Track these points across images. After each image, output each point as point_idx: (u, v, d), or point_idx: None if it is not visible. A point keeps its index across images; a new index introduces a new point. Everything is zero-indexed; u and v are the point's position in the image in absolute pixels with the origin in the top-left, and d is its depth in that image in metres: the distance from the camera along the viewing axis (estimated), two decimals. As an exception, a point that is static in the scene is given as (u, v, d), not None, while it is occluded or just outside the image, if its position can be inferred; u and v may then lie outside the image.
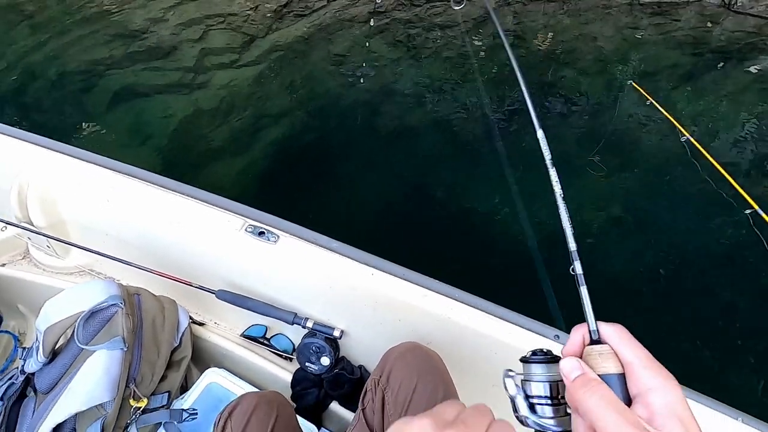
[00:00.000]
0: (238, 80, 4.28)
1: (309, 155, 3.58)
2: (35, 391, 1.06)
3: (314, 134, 3.80)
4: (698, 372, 2.19)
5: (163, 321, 1.12)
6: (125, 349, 0.98)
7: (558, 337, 1.05)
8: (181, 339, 1.16)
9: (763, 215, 2.10)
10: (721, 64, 4.51)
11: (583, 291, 0.49)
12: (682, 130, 2.57)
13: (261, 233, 1.17)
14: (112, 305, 1.03)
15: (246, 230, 1.18)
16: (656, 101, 2.81)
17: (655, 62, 4.58)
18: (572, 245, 0.53)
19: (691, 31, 4.91)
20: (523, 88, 0.70)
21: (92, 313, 1.03)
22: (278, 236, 1.16)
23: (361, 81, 4.29)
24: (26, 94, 4.11)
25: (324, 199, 3.21)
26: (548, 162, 0.60)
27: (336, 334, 1.16)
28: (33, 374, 1.07)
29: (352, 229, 2.97)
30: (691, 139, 2.51)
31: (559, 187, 0.59)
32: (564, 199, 0.57)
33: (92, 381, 0.93)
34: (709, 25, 4.93)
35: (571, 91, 4.22)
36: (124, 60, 4.44)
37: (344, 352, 1.24)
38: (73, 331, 1.00)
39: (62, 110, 3.92)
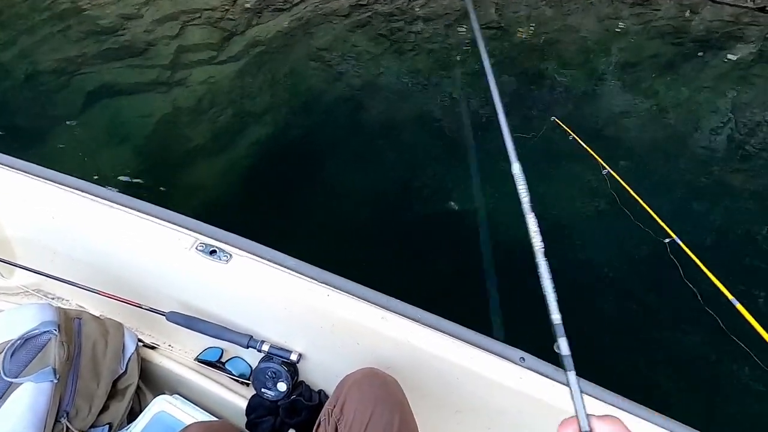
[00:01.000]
0: (216, 77, 4.20)
1: (290, 153, 3.53)
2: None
3: (295, 131, 3.75)
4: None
5: (105, 347, 1.05)
6: (55, 381, 0.91)
7: (524, 359, 1.00)
8: (126, 365, 1.09)
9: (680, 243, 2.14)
10: (701, 53, 4.58)
11: (572, 378, 0.46)
12: (603, 164, 2.61)
13: (213, 252, 1.10)
14: (44, 332, 0.95)
15: (197, 249, 1.11)
16: (578, 136, 2.84)
17: (637, 52, 4.64)
18: (555, 316, 0.49)
19: (671, 21, 5.00)
20: (500, 114, 0.63)
21: (24, 341, 0.95)
22: (230, 255, 1.10)
23: (343, 76, 4.24)
24: None
25: (303, 197, 3.15)
26: (525, 204, 0.54)
27: (293, 357, 1.10)
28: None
29: (327, 228, 2.94)
30: (612, 173, 2.56)
31: (539, 239, 0.53)
32: (545, 256, 0.52)
33: (15, 416, 0.85)
34: (688, 14, 5.03)
35: (555, 83, 4.24)
36: (97, 58, 4.34)
37: (303, 376, 1.17)
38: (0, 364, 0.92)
39: (32, 111, 3.80)
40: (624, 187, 2.47)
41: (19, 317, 0.97)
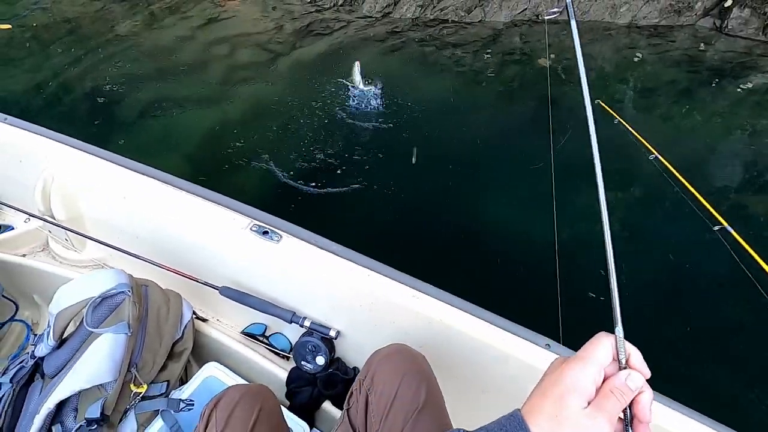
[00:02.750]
0: (262, 94, 4.48)
1: (328, 167, 3.68)
2: (43, 376, 1.12)
3: (332, 148, 3.92)
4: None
5: (168, 313, 1.17)
6: (129, 334, 1.03)
7: (549, 346, 1.07)
8: (183, 332, 1.21)
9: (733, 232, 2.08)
10: (716, 81, 4.71)
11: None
12: (651, 148, 2.59)
13: (265, 233, 1.22)
14: (120, 292, 1.09)
15: (251, 229, 1.23)
16: (624, 120, 2.85)
17: (654, 79, 4.73)
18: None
19: (687, 51, 5.15)
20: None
21: (102, 299, 1.08)
22: (281, 236, 1.22)
23: (379, 96, 4.45)
24: (61, 104, 4.35)
25: (340, 212, 3.29)
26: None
27: (332, 334, 1.19)
28: (42, 359, 1.12)
29: (360, 242, 3.03)
30: (660, 158, 2.52)
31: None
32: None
33: (96, 361, 0.98)
34: (702, 46, 5.18)
35: (572, 107, 4.37)
36: (154, 74, 4.70)
37: (340, 353, 1.26)
38: (83, 317, 1.06)
39: (94, 121, 4.13)
40: (672, 171, 2.43)
41: (99, 278, 1.11)
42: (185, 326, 1.21)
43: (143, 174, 1.36)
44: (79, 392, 0.96)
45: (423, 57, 5.14)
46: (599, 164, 0.62)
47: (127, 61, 4.92)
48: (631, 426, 0.47)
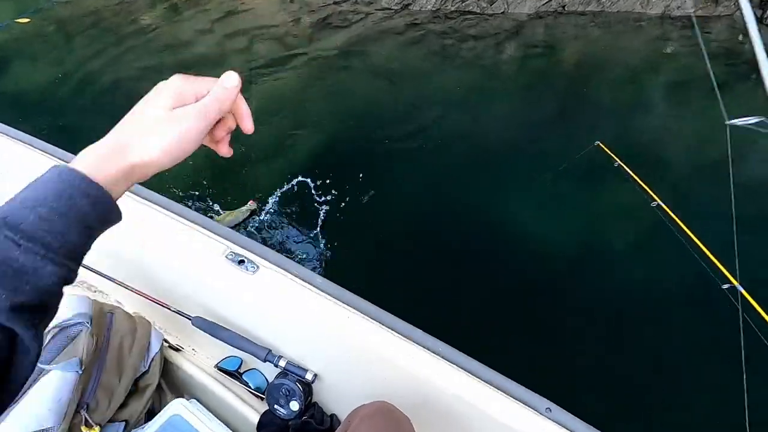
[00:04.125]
0: (280, 88, 4.43)
1: (344, 162, 3.61)
2: None
3: (349, 142, 3.85)
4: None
5: (132, 344, 1.08)
6: (80, 372, 0.94)
7: (550, 410, 0.92)
8: (149, 365, 1.12)
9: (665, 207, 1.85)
10: (754, 75, 4.34)
11: None
12: (653, 195, 2.36)
13: (241, 261, 1.12)
14: (77, 323, 1.00)
15: (227, 257, 1.13)
16: (623, 162, 2.60)
17: (687, 73, 4.42)
18: None
19: (724, 43, 4.81)
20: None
21: (59, 329, 1.00)
22: (258, 266, 1.10)
23: (397, 89, 4.34)
24: (82, 97, 4.39)
25: (354, 205, 3.21)
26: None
27: (308, 377, 1.08)
28: None
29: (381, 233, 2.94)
30: (662, 205, 2.30)
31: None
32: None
33: (39, 403, 0.89)
34: (740, 38, 4.84)
35: (597, 103, 4.12)
36: (172, 67, 4.70)
37: (318, 398, 1.15)
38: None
39: (114, 114, 4.15)
40: (677, 222, 2.25)
41: (57, 306, 1.02)
42: (152, 359, 1.12)
43: None
44: (20, 438, 0.87)
45: (443, 50, 5.00)
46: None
47: (147, 54, 4.95)
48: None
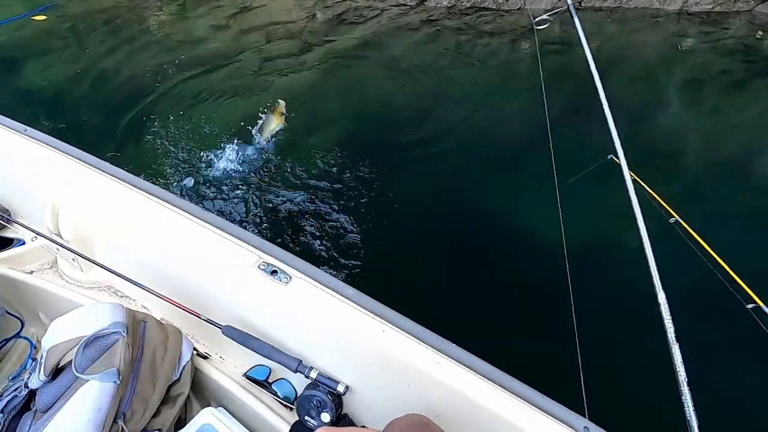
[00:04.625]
0: (296, 85, 4.43)
1: (357, 158, 3.60)
2: (37, 406, 1.05)
3: (364, 137, 3.85)
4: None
5: (164, 353, 1.08)
6: (118, 383, 0.95)
7: (587, 429, 0.92)
8: (181, 373, 1.12)
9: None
10: None
11: None
12: (671, 211, 2.31)
13: (274, 272, 1.12)
14: (114, 332, 1.00)
15: (259, 267, 1.13)
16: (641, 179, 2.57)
17: (704, 70, 4.40)
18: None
19: (742, 40, 4.81)
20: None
21: (95, 338, 1.00)
22: (290, 277, 1.11)
23: (412, 86, 4.34)
24: (97, 95, 4.41)
25: (365, 202, 3.22)
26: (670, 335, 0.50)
27: (340, 389, 1.08)
28: (36, 389, 1.06)
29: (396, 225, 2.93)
30: (681, 221, 2.25)
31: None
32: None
33: (78, 414, 0.89)
34: (760, 34, 4.84)
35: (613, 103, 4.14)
36: (188, 64, 4.73)
37: (348, 409, 1.14)
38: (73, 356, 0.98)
39: (128, 110, 4.18)
40: (696, 238, 2.22)
41: (93, 315, 1.03)
42: (183, 367, 1.12)
43: (153, 196, 1.29)
44: (60, 448, 0.88)
45: (458, 47, 4.99)
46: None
47: (161, 50, 4.97)
48: None
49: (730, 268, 2.07)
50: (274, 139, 3.61)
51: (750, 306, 1.95)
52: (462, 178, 3.48)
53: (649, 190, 2.55)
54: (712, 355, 2.39)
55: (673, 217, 2.37)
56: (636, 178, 2.70)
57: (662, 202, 2.49)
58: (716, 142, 3.63)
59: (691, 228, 2.25)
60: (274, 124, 3.56)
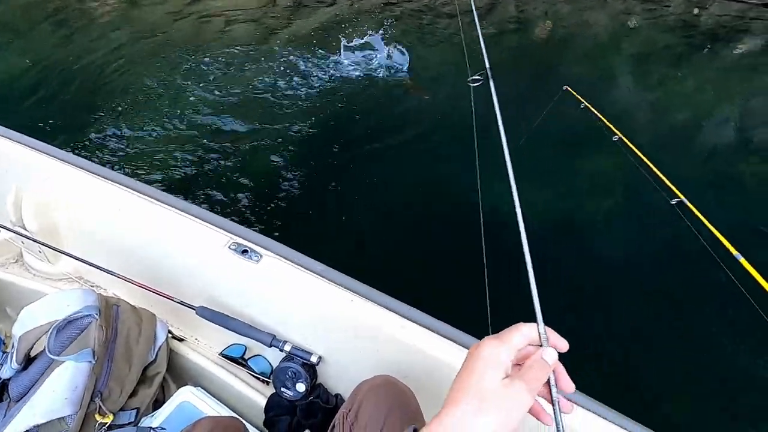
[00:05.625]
0: (258, 72, 4.37)
1: (323, 143, 3.63)
2: (9, 396, 1.06)
3: (329, 123, 3.83)
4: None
5: (139, 334, 1.11)
6: (93, 362, 0.97)
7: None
8: (156, 354, 1.15)
9: (689, 204, 1.98)
10: (709, 46, 4.74)
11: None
12: (614, 129, 2.48)
13: (244, 251, 1.16)
14: (86, 315, 1.02)
15: (230, 247, 1.16)
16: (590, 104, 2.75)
17: (649, 45, 4.70)
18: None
19: (681, 16, 5.17)
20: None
21: (67, 323, 1.02)
22: (261, 255, 1.15)
23: (374, 69, 4.35)
24: (46, 88, 4.25)
25: (333, 187, 3.26)
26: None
27: (313, 359, 1.13)
28: (9, 379, 1.06)
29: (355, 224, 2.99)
30: (624, 139, 2.39)
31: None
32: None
33: (55, 393, 0.91)
34: (696, 11, 5.19)
35: (567, 77, 4.36)
36: (143, 54, 4.61)
37: (322, 379, 1.20)
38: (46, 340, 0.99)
39: (81, 104, 4.04)
40: (636, 153, 2.34)
41: (64, 300, 1.04)
42: (158, 348, 1.15)
43: (118, 184, 1.30)
44: (37, 426, 0.90)
45: (419, 29, 5.07)
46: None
47: (117, 39, 4.83)
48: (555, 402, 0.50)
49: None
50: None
51: (674, 201, 2.07)
52: (426, 157, 3.53)
53: (598, 114, 2.68)
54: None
55: (616, 135, 2.46)
56: (587, 105, 2.79)
57: (606, 122, 2.60)
58: (664, 113, 3.89)
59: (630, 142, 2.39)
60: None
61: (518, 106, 3.81)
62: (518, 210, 0.66)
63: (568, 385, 0.52)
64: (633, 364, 2.29)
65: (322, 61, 4.52)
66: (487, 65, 1.04)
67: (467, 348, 1.01)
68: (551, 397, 0.51)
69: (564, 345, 0.53)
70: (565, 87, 2.97)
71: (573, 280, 2.61)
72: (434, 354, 1.01)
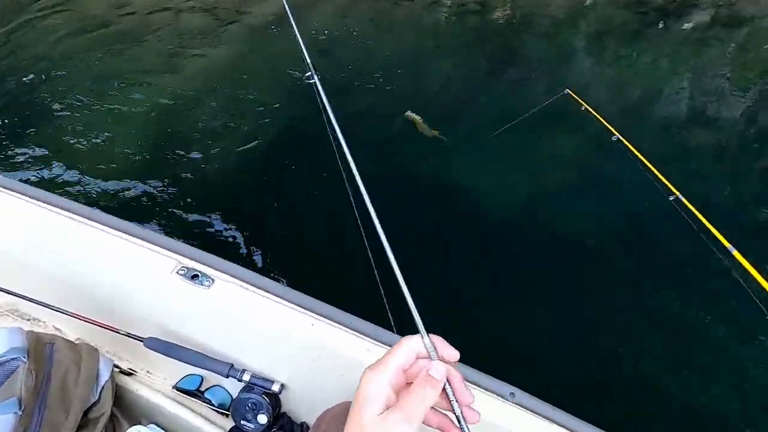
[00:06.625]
0: (213, 62, 4.23)
1: (285, 133, 3.51)
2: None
3: (289, 113, 3.70)
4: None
5: (78, 375, 1.00)
6: (20, 413, 0.86)
7: (513, 395, 0.96)
8: (100, 394, 1.04)
9: (685, 201, 2.04)
10: (662, 23, 4.92)
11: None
12: (614, 131, 2.54)
13: (194, 276, 1.07)
14: (12, 359, 0.91)
15: (178, 273, 1.07)
16: (591, 107, 2.82)
17: (606, 23, 4.91)
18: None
19: None
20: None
21: (-9, 368, 0.90)
22: (213, 279, 1.06)
23: (334, 58, 4.28)
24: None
25: (298, 181, 3.17)
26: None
27: (275, 388, 1.05)
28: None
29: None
30: (623, 140, 2.46)
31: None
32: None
33: (-26, 454, 0.80)
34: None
35: (526, 59, 4.38)
36: (92, 48, 4.36)
37: (286, 408, 1.12)
38: (-36, 391, 0.88)
39: (32, 102, 3.80)
40: (635, 153, 2.39)
41: (-14, 342, 0.92)
42: (102, 387, 1.04)
43: (53, 206, 1.18)
44: (-48, 494, 0.79)
45: (377, 14, 5.01)
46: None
47: (59, 35, 4.55)
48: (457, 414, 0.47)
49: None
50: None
51: (671, 198, 2.11)
52: (400, 142, 3.47)
53: (599, 117, 2.72)
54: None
55: (615, 135, 2.52)
56: (587, 107, 2.83)
57: (607, 124, 2.65)
58: (621, 86, 4.01)
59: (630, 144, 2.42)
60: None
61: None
62: (374, 215, 0.64)
63: (466, 396, 0.49)
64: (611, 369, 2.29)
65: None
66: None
67: None
68: (453, 411, 0.48)
69: (453, 354, 0.50)
70: (566, 90, 3.02)
71: (566, 276, 2.60)
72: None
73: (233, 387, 1.15)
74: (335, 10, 5.04)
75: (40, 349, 0.98)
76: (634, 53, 4.49)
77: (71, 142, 3.44)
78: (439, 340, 0.50)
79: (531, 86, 3.96)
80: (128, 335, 1.09)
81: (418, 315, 0.52)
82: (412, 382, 0.48)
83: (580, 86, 3.94)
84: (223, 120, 3.66)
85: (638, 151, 2.35)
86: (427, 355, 0.49)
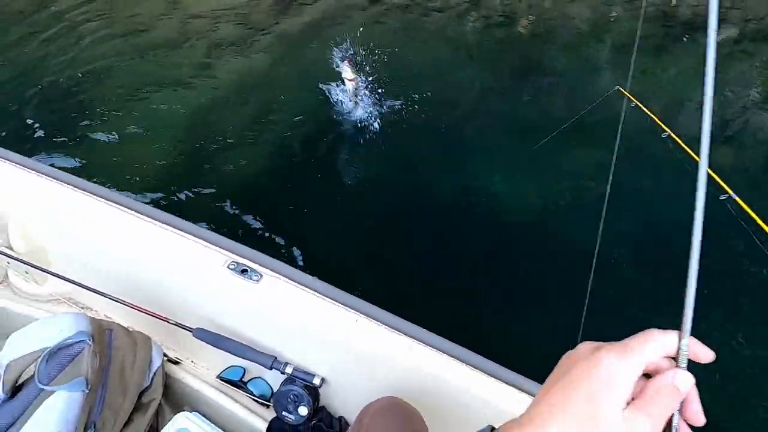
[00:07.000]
0: (247, 71, 4.34)
1: (315, 141, 3.60)
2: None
3: (319, 121, 3.80)
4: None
5: (134, 360, 1.06)
6: (87, 391, 0.92)
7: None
8: (152, 380, 1.10)
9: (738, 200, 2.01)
10: (687, 35, 4.88)
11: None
12: (665, 127, 2.53)
13: (244, 271, 1.12)
14: (79, 341, 0.97)
15: (228, 267, 1.13)
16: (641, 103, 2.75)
17: (630, 36, 4.89)
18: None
19: (660, 7, 5.30)
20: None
21: (58, 349, 0.97)
22: (261, 275, 1.12)
23: (366, 68, 4.37)
24: (29, 90, 4.13)
25: (327, 186, 3.25)
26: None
27: (316, 382, 1.10)
28: (-7, 410, 1.01)
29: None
30: (676, 139, 2.45)
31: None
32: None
33: (47, 425, 0.87)
34: (674, 2, 5.30)
35: (550, 71, 4.42)
36: (133, 54, 4.54)
37: (325, 401, 1.17)
38: (35, 368, 0.94)
39: (70, 109, 3.95)
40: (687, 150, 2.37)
41: (56, 325, 0.99)
42: (154, 373, 1.10)
43: (110, 201, 1.25)
44: (26, 463, 0.85)
45: (407, 24, 5.08)
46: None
47: (104, 42, 4.74)
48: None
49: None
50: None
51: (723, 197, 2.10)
52: (428, 157, 3.49)
53: (649, 113, 2.71)
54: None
55: (665, 132, 2.50)
56: (638, 103, 2.84)
57: (658, 121, 2.63)
58: (647, 100, 3.98)
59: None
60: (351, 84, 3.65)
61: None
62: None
63: (698, 415, 0.39)
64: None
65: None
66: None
67: (482, 371, 0.99)
68: (671, 424, 0.39)
69: (709, 355, 0.41)
70: (617, 87, 2.98)
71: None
72: (443, 375, 0.98)
73: (275, 380, 1.20)
74: (365, 18, 5.15)
75: (101, 335, 1.05)
76: (659, 67, 4.51)
77: (111, 144, 3.58)
78: (693, 341, 0.41)
79: (574, 92, 3.94)
80: (178, 325, 1.15)
81: (691, 309, 0.41)
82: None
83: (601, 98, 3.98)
84: (258, 126, 3.77)
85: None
86: (674, 355, 0.40)
